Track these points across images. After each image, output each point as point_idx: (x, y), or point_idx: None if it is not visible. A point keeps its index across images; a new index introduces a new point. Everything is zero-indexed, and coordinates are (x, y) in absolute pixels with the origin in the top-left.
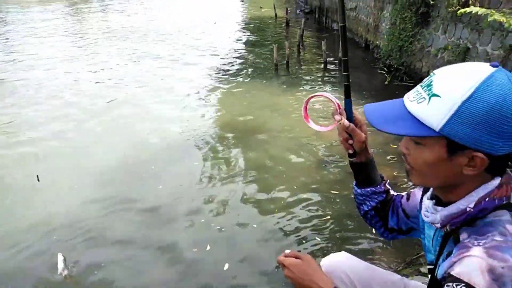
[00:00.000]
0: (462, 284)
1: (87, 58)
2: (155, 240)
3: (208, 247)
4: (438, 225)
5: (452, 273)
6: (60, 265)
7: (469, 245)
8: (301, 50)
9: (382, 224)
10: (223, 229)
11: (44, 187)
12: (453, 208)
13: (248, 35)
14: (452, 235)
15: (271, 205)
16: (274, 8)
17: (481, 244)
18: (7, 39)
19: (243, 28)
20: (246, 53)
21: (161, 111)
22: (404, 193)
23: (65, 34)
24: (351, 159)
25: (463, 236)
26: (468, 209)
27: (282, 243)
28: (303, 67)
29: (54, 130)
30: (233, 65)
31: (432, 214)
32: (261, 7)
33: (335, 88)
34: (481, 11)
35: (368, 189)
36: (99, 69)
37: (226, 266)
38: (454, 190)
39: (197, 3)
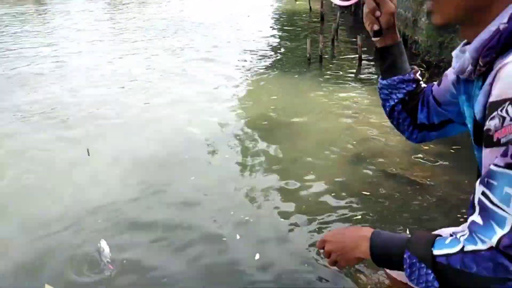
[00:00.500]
0: (507, 103)
1: (129, 48)
2: (186, 228)
3: (238, 236)
4: (469, 68)
5: (490, 100)
6: (105, 250)
7: (503, 61)
8: (335, 44)
9: (411, 121)
10: (251, 220)
11: (89, 167)
12: (483, 34)
13: (281, 29)
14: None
15: (299, 201)
16: (309, 1)
17: None
18: (54, 28)
19: (277, 21)
20: (279, 47)
21: (195, 102)
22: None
23: (107, 25)
24: (376, 40)
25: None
26: (501, 26)
27: (309, 241)
28: (337, 62)
29: (99, 115)
30: (265, 59)
31: (460, 59)
32: (295, 0)
33: (369, 84)
34: None
35: (395, 77)
36: (140, 59)
37: (257, 256)
38: (483, 17)
39: None
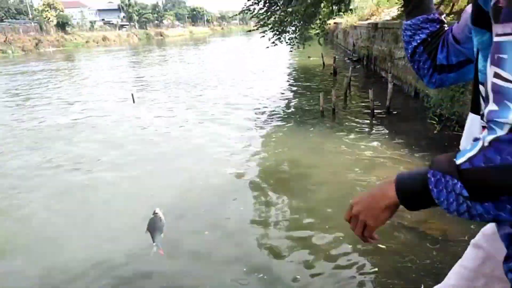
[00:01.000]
0: None
1: (150, 102)
2: (195, 280)
3: None
4: None
5: None
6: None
7: None
8: (348, 98)
9: (431, 63)
10: (265, 277)
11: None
12: None
13: (295, 83)
14: None
15: (313, 253)
16: (322, 57)
17: None
18: (80, 85)
19: (291, 76)
20: (293, 100)
21: (211, 153)
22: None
23: (129, 79)
24: None
25: None
26: None
27: None
28: (349, 115)
29: (116, 162)
30: (280, 112)
31: None
32: (309, 57)
33: (381, 137)
34: None
35: (420, 17)
36: (161, 112)
37: None
38: None
39: (248, 53)
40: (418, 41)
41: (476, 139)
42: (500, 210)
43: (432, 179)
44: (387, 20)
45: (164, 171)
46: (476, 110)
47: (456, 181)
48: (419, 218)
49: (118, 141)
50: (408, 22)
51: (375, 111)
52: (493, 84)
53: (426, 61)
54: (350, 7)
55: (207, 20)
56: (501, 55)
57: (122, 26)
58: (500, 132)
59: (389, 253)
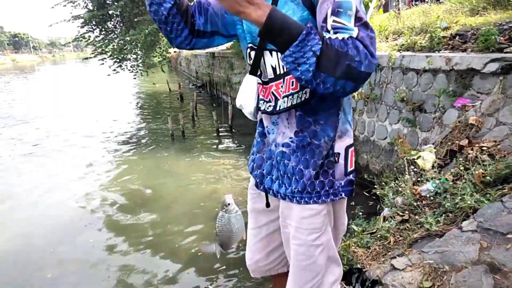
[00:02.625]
0: None
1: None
2: None
3: None
4: None
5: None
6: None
7: None
8: (195, 120)
9: (184, 25)
10: None
11: None
12: None
13: (143, 109)
14: None
15: (170, 269)
16: (168, 83)
17: None
18: None
19: (138, 102)
20: (143, 125)
21: (53, 184)
22: None
23: None
24: None
25: None
26: None
27: None
28: (197, 135)
29: None
30: (130, 137)
31: None
32: (154, 83)
33: (226, 152)
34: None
35: None
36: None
37: None
38: None
39: (89, 80)
40: (171, 3)
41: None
42: (323, 81)
43: (308, 30)
44: (223, 50)
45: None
46: (254, 72)
47: (319, 42)
48: None
49: None
50: None
51: (220, 130)
52: (333, 25)
53: (180, 23)
54: None
55: (34, 47)
56: (339, 9)
57: None
58: (347, 35)
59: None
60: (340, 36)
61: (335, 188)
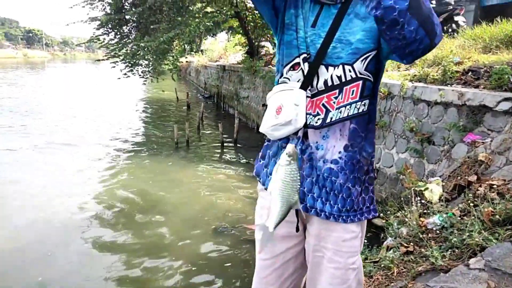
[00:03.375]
0: None
1: None
2: None
3: None
4: None
5: None
6: None
7: None
8: (200, 130)
9: None
10: None
11: None
12: None
13: (150, 115)
14: None
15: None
16: (176, 91)
17: None
18: None
19: (146, 108)
20: (149, 132)
21: (51, 186)
22: None
23: None
24: None
25: None
26: None
27: None
28: (202, 146)
29: None
30: (135, 143)
31: None
32: (163, 90)
33: (230, 165)
34: None
35: None
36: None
37: None
38: None
39: (100, 84)
40: None
41: None
42: (412, 29)
43: None
44: (233, 64)
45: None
46: (307, 86)
47: None
48: None
49: None
50: None
51: (225, 143)
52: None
53: None
54: (201, 48)
55: (46, 44)
56: None
57: None
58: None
59: (234, 268)
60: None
61: (374, 204)
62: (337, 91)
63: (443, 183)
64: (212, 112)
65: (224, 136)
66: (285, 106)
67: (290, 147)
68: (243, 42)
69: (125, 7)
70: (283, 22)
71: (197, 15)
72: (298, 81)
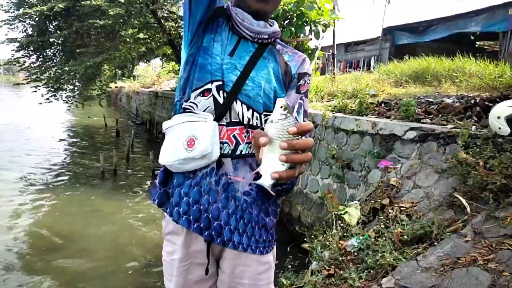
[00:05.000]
0: (308, 76)
1: None
2: None
3: None
4: (266, 37)
5: (302, 72)
6: None
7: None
8: (130, 159)
9: None
10: None
11: None
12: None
13: (75, 143)
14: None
15: None
16: (104, 118)
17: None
18: None
19: (70, 135)
20: (73, 162)
21: None
22: None
23: None
24: None
25: (278, 46)
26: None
27: None
28: (130, 175)
29: None
30: (57, 174)
31: (259, 26)
32: (89, 116)
33: None
34: None
35: None
36: None
37: None
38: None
39: (21, 109)
40: None
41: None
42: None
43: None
44: (167, 90)
45: None
46: (221, 117)
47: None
48: None
49: None
50: None
51: (155, 171)
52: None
53: None
54: (134, 74)
55: None
56: (301, 101)
57: None
58: None
59: None
60: None
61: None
62: (246, 129)
63: (361, 207)
64: (143, 139)
65: (155, 164)
66: (200, 139)
67: (282, 101)
68: (178, 69)
69: (49, 29)
70: (202, 42)
71: (128, 40)
72: (206, 109)
